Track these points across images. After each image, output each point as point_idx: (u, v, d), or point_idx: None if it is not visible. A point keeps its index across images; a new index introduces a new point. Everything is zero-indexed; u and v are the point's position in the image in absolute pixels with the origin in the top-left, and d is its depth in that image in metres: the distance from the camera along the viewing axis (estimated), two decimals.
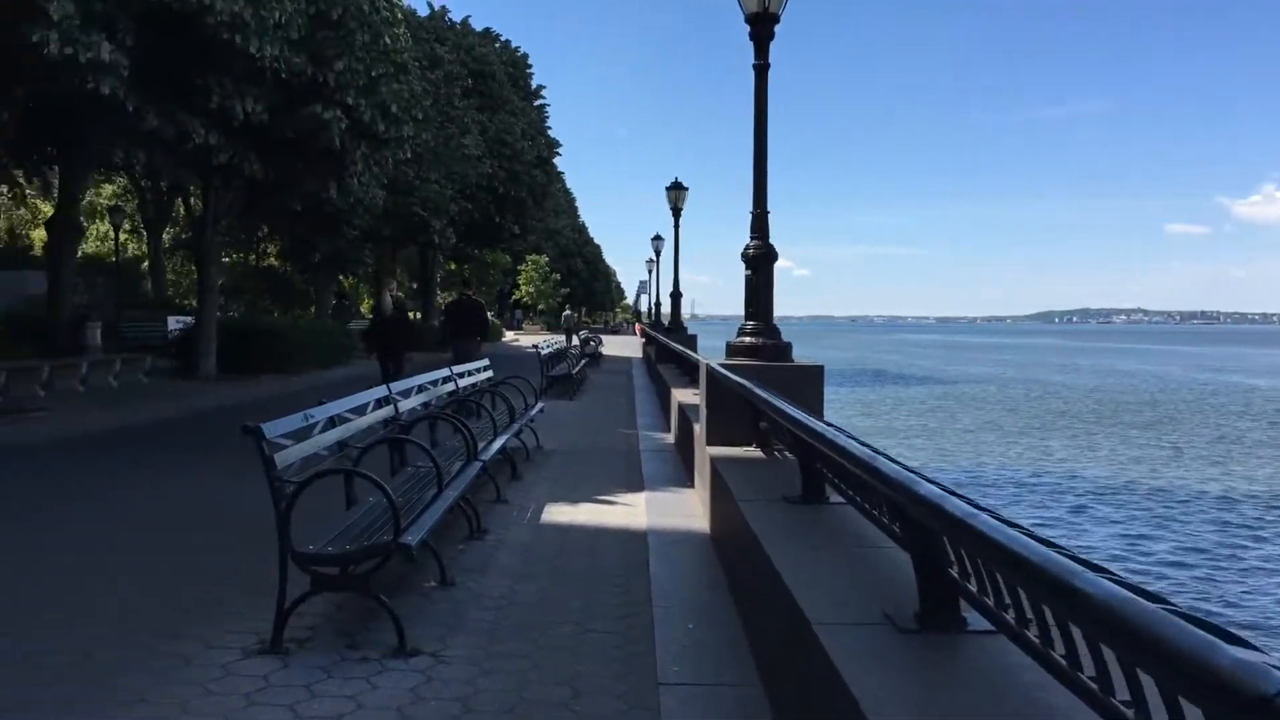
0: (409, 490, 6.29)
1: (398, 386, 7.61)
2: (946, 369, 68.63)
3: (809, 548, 4.55)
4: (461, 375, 10.74)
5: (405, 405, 7.71)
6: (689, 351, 13.04)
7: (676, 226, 26.11)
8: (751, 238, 8.60)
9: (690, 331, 25.46)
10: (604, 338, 46.66)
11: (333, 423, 5.98)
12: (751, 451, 7.92)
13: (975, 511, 2.61)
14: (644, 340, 43.43)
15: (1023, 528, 2.39)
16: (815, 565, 4.22)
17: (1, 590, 5.83)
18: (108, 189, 41.51)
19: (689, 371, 17.25)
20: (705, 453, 8.06)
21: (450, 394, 9.94)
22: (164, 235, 37.09)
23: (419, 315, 43.80)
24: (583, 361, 25.14)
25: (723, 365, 8.13)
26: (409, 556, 4.72)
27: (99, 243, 41.65)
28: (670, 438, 13.95)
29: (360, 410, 6.71)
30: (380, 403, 7.16)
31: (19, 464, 10.61)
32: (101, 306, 30.77)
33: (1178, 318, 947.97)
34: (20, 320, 23.69)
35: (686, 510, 8.56)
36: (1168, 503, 18.41)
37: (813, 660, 3.28)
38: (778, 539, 4.73)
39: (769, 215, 8.62)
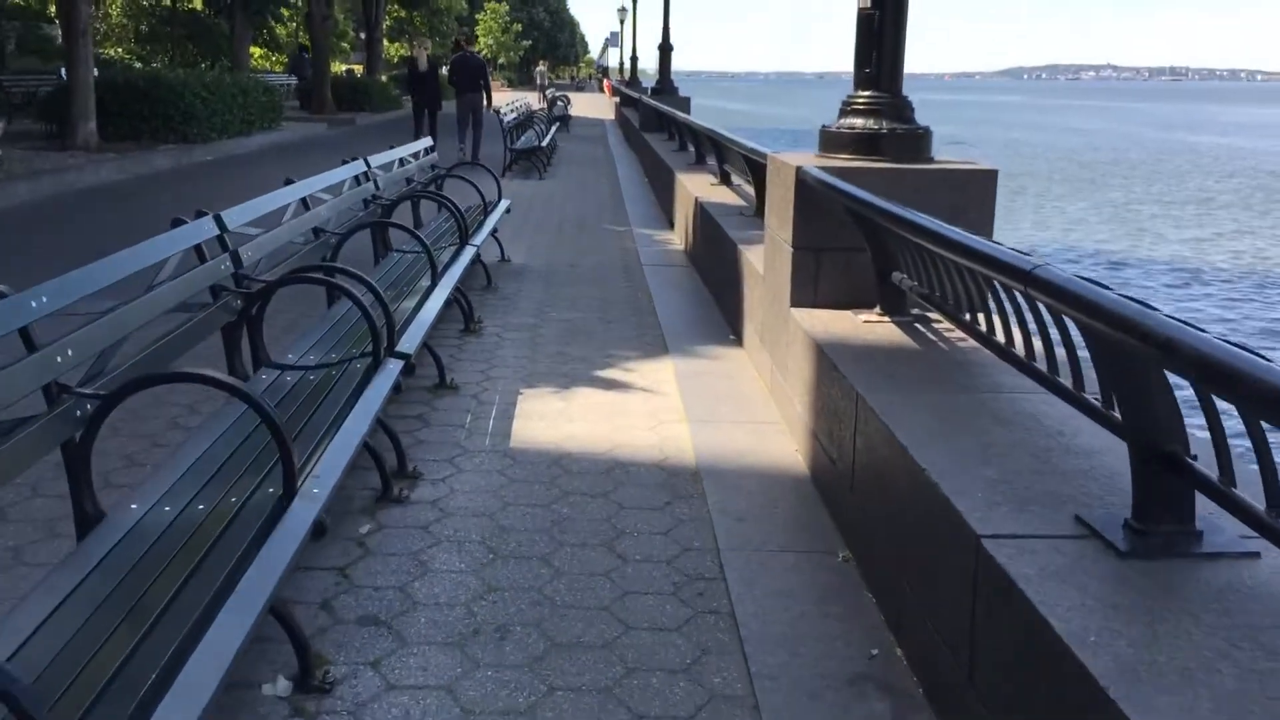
0: (235, 460, 2.92)
1: (237, 216, 4.01)
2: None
3: None
4: (386, 166, 7.06)
5: (252, 252, 4.15)
6: (723, 133, 9.41)
7: None
8: None
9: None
10: (571, 96, 42.45)
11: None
12: (874, 319, 4.61)
13: None
14: (617, 100, 39.03)
15: None
16: None
17: None
18: None
19: (689, 145, 13.62)
20: (794, 322, 4.74)
21: (367, 202, 6.33)
22: None
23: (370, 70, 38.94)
24: (554, 128, 21.14)
25: (824, 168, 4.68)
26: None
27: None
28: (676, 240, 10.62)
29: (151, 269, 3.22)
30: (199, 253, 3.65)
31: None
32: None
33: (1146, 74, 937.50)
34: None
35: (744, 401, 5.33)
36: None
37: None
38: None
39: None
